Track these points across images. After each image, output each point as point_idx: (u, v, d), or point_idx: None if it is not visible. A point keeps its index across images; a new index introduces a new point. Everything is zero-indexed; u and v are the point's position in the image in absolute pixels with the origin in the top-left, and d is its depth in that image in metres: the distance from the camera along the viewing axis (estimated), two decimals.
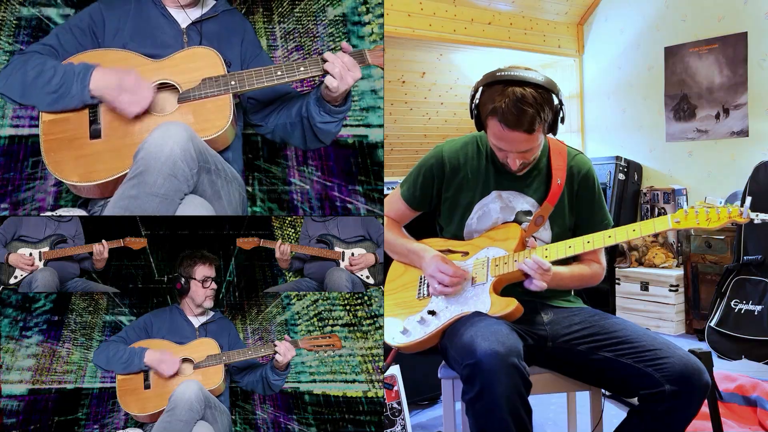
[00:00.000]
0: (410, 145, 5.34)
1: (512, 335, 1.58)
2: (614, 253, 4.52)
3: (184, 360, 2.05)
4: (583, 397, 1.88)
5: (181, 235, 2.29)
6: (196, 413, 1.91)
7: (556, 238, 1.84)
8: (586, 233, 1.88)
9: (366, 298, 2.30)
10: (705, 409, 1.94)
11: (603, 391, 1.83)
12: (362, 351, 2.29)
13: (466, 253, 1.85)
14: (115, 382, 2.05)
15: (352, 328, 2.29)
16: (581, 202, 1.87)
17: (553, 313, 1.81)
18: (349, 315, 2.31)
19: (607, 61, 5.18)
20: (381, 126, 2.10)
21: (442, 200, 1.90)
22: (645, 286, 4.35)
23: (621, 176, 4.71)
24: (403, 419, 2.48)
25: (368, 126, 2.10)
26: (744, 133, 4.33)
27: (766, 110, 4.24)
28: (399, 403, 2.49)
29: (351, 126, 2.09)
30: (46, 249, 2.28)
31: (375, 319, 2.28)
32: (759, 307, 3.52)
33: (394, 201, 1.98)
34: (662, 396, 1.56)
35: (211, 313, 2.20)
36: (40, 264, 2.26)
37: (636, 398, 1.65)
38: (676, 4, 4.66)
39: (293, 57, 2.08)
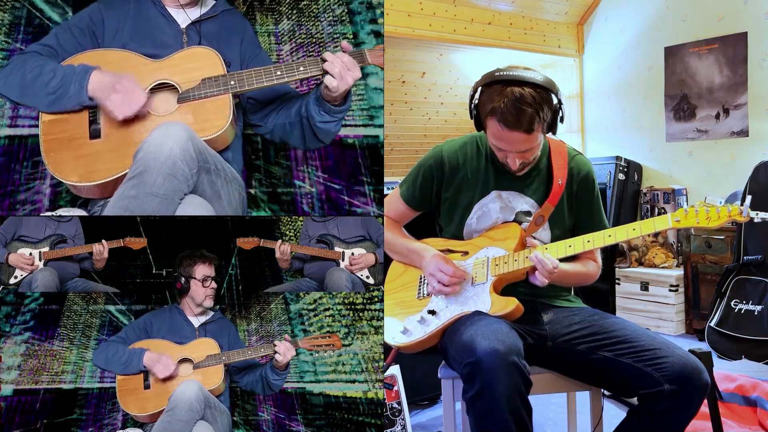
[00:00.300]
0: (410, 145, 5.34)
1: (512, 334, 1.58)
2: (614, 253, 4.52)
3: (184, 360, 2.05)
4: (583, 397, 1.88)
5: (182, 235, 2.29)
6: (196, 413, 1.91)
7: (555, 238, 1.84)
8: (583, 234, 1.88)
9: (366, 297, 2.30)
10: (705, 409, 1.94)
11: (603, 391, 1.83)
12: (362, 351, 2.29)
13: (466, 253, 1.85)
14: (108, 382, 2.05)
15: (351, 328, 2.29)
16: (580, 203, 1.87)
17: (552, 312, 1.81)
18: (348, 315, 2.31)
19: (607, 61, 5.18)
20: (381, 126, 2.11)
21: (442, 200, 1.91)
22: (645, 286, 4.35)
23: (621, 176, 4.71)
24: (403, 419, 2.48)
25: (369, 126, 2.10)
26: (744, 133, 4.33)
27: (766, 110, 4.24)
28: (399, 403, 2.49)
29: (354, 126, 2.09)
30: (46, 249, 2.27)
31: (375, 319, 2.28)
32: (759, 307, 3.52)
33: (393, 201, 1.98)
34: (661, 395, 1.57)
35: (211, 313, 2.20)
36: (40, 264, 2.26)
37: (635, 398, 1.65)
38: (676, 4, 4.66)
39: (297, 56, 2.08)
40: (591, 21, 5.29)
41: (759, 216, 1.55)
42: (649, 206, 4.75)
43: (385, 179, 2.14)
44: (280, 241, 2.34)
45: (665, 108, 4.76)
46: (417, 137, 5.38)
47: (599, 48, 5.24)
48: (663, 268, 4.42)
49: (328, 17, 2.09)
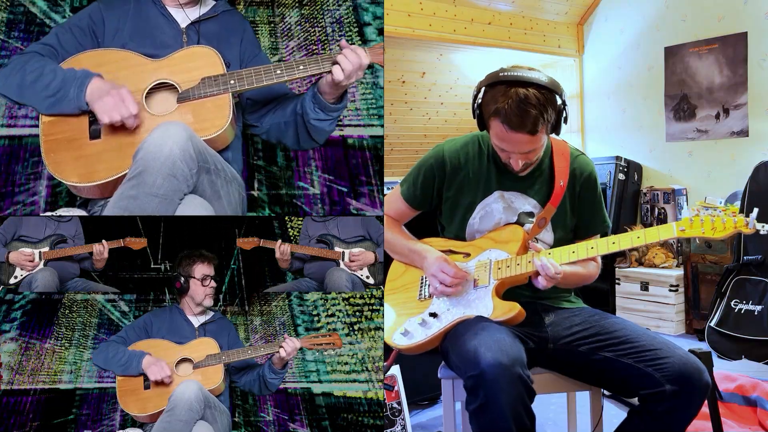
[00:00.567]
0: (410, 145, 5.34)
1: (515, 344, 1.56)
2: (614, 253, 4.51)
3: (184, 360, 2.05)
4: (583, 397, 1.88)
5: (182, 235, 2.29)
6: (196, 413, 1.91)
7: (558, 239, 1.84)
8: (585, 234, 1.88)
9: (366, 297, 2.30)
10: (705, 409, 1.94)
11: (603, 391, 1.83)
12: (362, 351, 2.29)
13: (468, 255, 1.84)
14: (108, 382, 2.05)
15: (352, 328, 2.29)
16: (583, 203, 1.86)
17: (554, 314, 1.80)
18: (349, 315, 2.31)
19: (607, 61, 5.18)
20: (381, 126, 2.11)
21: (443, 200, 1.90)
22: (645, 286, 4.34)
23: (621, 176, 4.71)
24: (403, 419, 2.48)
25: (371, 126, 2.11)
26: (744, 133, 4.33)
27: (766, 110, 4.24)
28: (399, 403, 2.49)
29: (355, 126, 2.10)
30: (46, 249, 2.27)
31: (375, 318, 2.28)
32: (759, 307, 3.52)
33: (393, 200, 1.97)
34: (662, 396, 1.56)
35: (211, 313, 2.20)
36: (40, 264, 2.26)
37: (636, 398, 1.65)
38: (676, 4, 4.66)
39: (298, 55, 2.08)
40: (591, 21, 5.29)
41: (765, 228, 1.54)
42: (649, 206, 4.75)
43: (385, 179, 2.14)
44: (279, 241, 2.34)
45: (665, 108, 4.76)
46: (417, 137, 5.38)
47: (599, 48, 5.24)
48: (663, 268, 4.42)
49: (330, 16, 2.09)
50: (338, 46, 1.73)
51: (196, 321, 2.16)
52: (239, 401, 2.28)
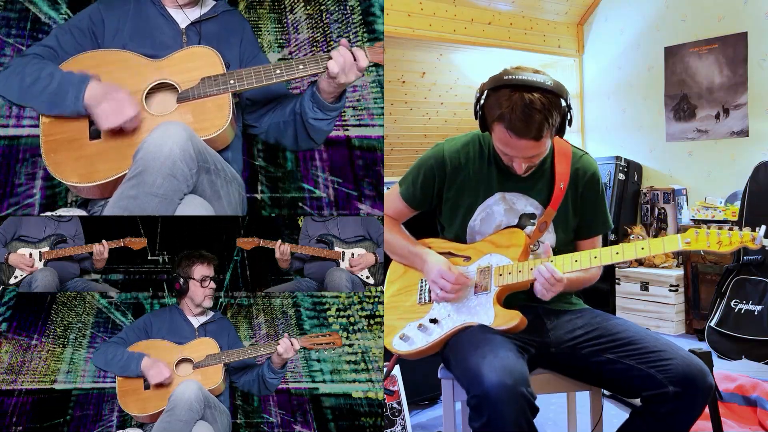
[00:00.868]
0: (410, 145, 5.34)
1: (519, 362, 1.54)
2: None
3: (184, 360, 2.05)
4: (583, 397, 1.87)
5: (183, 235, 2.29)
6: (196, 413, 1.90)
7: (560, 241, 1.83)
8: (587, 234, 1.87)
9: (366, 297, 2.30)
10: (705, 409, 1.94)
11: (603, 391, 1.82)
12: (362, 351, 2.29)
13: (469, 258, 1.82)
14: (108, 382, 2.05)
15: (351, 328, 2.29)
16: (585, 203, 1.84)
17: (556, 318, 1.78)
18: (348, 315, 2.31)
19: (607, 61, 5.18)
20: (382, 125, 2.11)
21: (444, 200, 1.87)
22: (645, 286, 4.34)
23: (621, 176, 4.71)
24: (403, 419, 2.48)
25: (369, 126, 2.11)
26: (744, 133, 4.33)
27: (766, 110, 4.24)
28: (399, 403, 2.49)
29: (356, 126, 2.10)
30: (46, 249, 2.28)
31: (375, 318, 2.28)
32: (759, 307, 3.52)
33: (392, 200, 1.95)
34: (665, 397, 1.56)
35: (211, 313, 2.20)
36: (40, 264, 2.26)
37: (638, 398, 1.64)
38: (676, 4, 4.66)
39: (300, 54, 2.08)
40: (591, 21, 5.29)
41: None
42: (649, 206, 4.75)
43: (385, 179, 2.14)
44: (279, 241, 2.34)
45: (665, 108, 4.76)
46: (417, 137, 5.38)
47: (599, 48, 5.24)
48: (663, 268, 4.42)
49: (332, 17, 2.09)
50: (339, 45, 1.74)
51: (196, 321, 2.16)
52: (241, 402, 2.28)
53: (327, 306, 2.34)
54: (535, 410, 1.51)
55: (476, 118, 1.72)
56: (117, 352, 2.05)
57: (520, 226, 1.81)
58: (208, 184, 1.66)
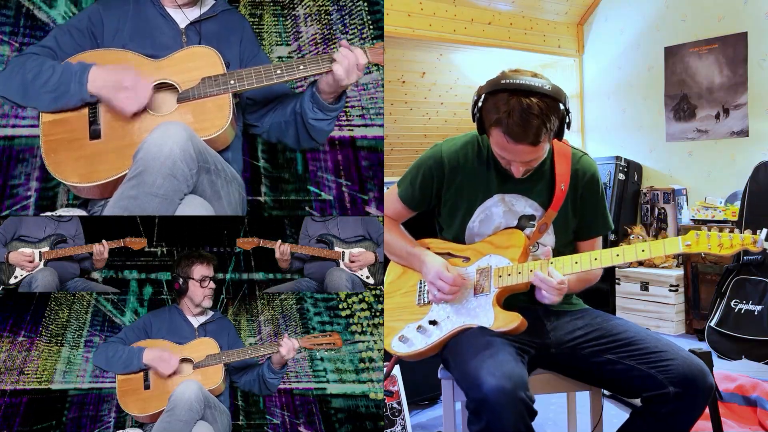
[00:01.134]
0: (410, 145, 5.34)
1: (518, 366, 1.54)
2: None
3: (184, 360, 2.05)
4: (583, 397, 1.87)
5: (183, 235, 2.29)
6: (196, 413, 1.91)
7: (560, 242, 1.83)
8: (587, 235, 1.87)
9: (366, 297, 2.30)
10: (705, 409, 1.94)
11: (603, 391, 1.82)
12: (362, 351, 2.29)
13: (468, 259, 1.82)
14: (107, 382, 2.05)
15: (351, 328, 2.29)
16: (585, 204, 1.84)
17: (556, 319, 1.78)
18: (349, 315, 2.31)
19: (607, 61, 5.18)
20: (382, 125, 2.11)
21: (442, 201, 1.87)
22: (645, 286, 4.34)
23: (621, 176, 4.71)
24: (403, 419, 2.48)
25: (369, 126, 2.11)
26: (744, 133, 4.33)
27: (766, 110, 4.24)
28: (399, 403, 2.49)
29: (358, 127, 2.10)
30: (46, 249, 2.27)
31: (375, 318, 2.28)
32: (759, 307, 3.52)
33: (391, 200, 1.94)
34: (666, 398, 1.56)
35: (211, 313, 2.20)
36: (40, 264, 2.26)
37: (638, 398, 1.64)
38: (676, 4, 4.66)
39: (301, 54, 2.08)
40: (591, 21, 5.29)
41: None
42: (649, 206, 4.75)
43: (385, 179, 2.14)
44: (279, 241, 2.34)
45: (665, 108, 4.76)
46: (417, 137, 5.38)
47: (599, 48, 5.24)
48: (663, 268, 4.42)
49: (336, 14, 2.09)
50: (338, 45, 1.73)
51: (196, 321, 2.16)
52: (243, 403, 2.28)
53: (327, 306, 2.34)
54: (534, 414, 1.50)
55: (474, 121, 1.71)
56: (117, 349, 2.05)
57: (520, 227, 1.81)
58: (209, 184, 1.66)
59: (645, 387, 1.59)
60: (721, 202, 4.24)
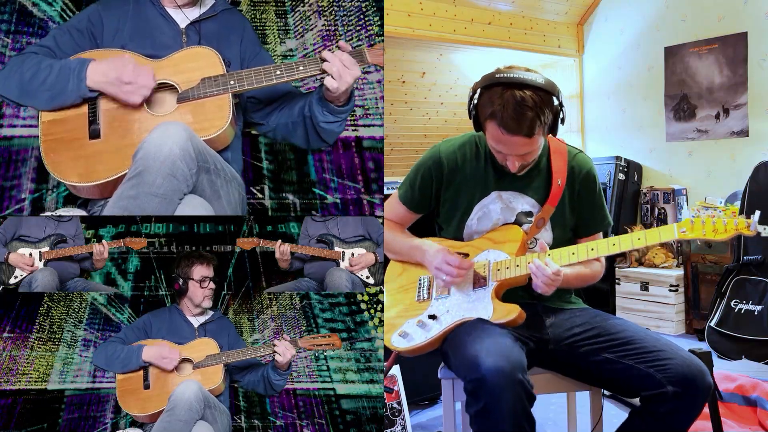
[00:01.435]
0: (410, 145, 5.34)
1: (516, 349, 1.56)
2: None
3: (184, 360, 2.05)
4: (583, 397, 1.87)
5: (183, 235, 2.29)
6: (196, 413, 1.91)
7: (557, 238, 1.83)
8: (586, 232, 1.88)
9: (366, 297, 2.30)
10: (705, 409, 1.94)
11: (603, 391, 1.82)
12: (362, 350, 2.29)
13: (467, 255, 1.83)
14: (105, 382, 2.05)
15: (351, 328, 2.29)
16: (582, 201, 1.85)
17: (554, 315, 1.79)
18: (348, 315, 2.31)
19: (607, 61, 5.18)
20: (382, 125, 2.11)
21: (441, 201, 1.89)
22: (645, 286, 4.34)
23: (621, 176, 4.71)
24: (403, 419, 2.48)
25: (370, 126, 2.11)
26: (744, 133, 4.33)
27: (766, 110, 4.24)
28: (399, 403, 2.49)
29: (363, 126, 2.10)
30: (46, 249, 2.27)
31: (375, 318, 2.28)
32: (759, 307, 3.52)
33: (393, 204, 1.96)
34: (665, 397, 1.56)
35: (211, 313, 2.20)
36: (40, 264, 2.26)
37: (637, 398, 1.64)
38: (676, 4, 4.66)
39: (304, 53, 2.09)
40: (591, 21, 5.29)
41: (766, 231, 1.54)
42: (649, 206, 4.75)
43: (385, 179, 2.15)
44: (279, 241, 2.34)
45: (665, 108, 4.76)
46: (417, 137, 5.38)
47: (599, 48, 5.24)
48: (663, 268, 4.42)
49: (333, 17, 2.09)
50: (337, 47, 1.73)
51: (196, 321, 2.16)
52: (245, 404, 2.28)
53: (327, 306, 2.34)
54: (532, 399, 1.51)
55: (470, 118, 1.74)
56: (116, 348, 2.05)
57: (517, 223, 1.83)
58: (208, 183, 1.66)
59: (643, 386, 1.59)
60: (721, 202, 4.24)
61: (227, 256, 2.35)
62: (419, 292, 1.86)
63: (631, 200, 4.80)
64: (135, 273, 2.33)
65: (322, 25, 2.10)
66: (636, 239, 1.63)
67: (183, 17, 1.81)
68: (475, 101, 1.69)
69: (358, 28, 2.09)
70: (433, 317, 1.76)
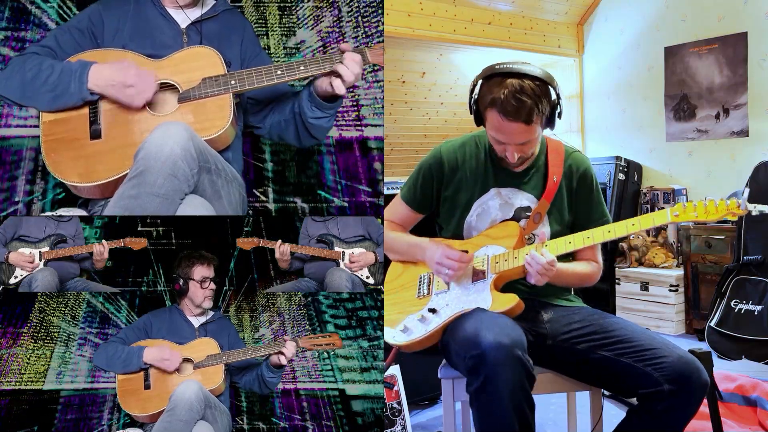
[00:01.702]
0: (410, 145, 5.34)
1: (517, 328, 1.59)
2: (614, 253, 4.52)
3: (184, 360, 2.05)
4: (583, 397, 1.88)
5: (184, 235, 2.29)
6: (196, 413, 1.91)
7: (554, 234, 1.85)
8: (585, 228, 1.88)
9: (366, 297, 2.30)
10: (705, 409, 1.94)
11: (603, 390, 1.83)
12: (362, 350, 2.29)
13: (466, 252, 1.84)
14: (104, 382, 2.05)
15: (352, 328, 2.30)
16: (579, 199, 1.88)
17: (553, 311, 1.82)
18: (349, 314, 2.31)
19: (607, 61, 5.18)
20: (381, 125, 2.11)
21: (442, 200, 1.91)
22: (645, 286, 4.34)
23: (621, 176, 4.71)
24: (403, 419, 2.48)
25: (372, 126, 2.12)
26: (744, 133, 4.33)
27: (766, 110, 4.24)
28: (399, 403, 2.49)
29: (364, 126, 2.10)
30: (46, 249, 2.27)
31: (375, 318, 2.28)
32: (759, 307, 3.52)
33: (396, 205, 1.99)
34: (661, 395, 1.57)
35: (211, 313, 2.20)
36: (40, 264, 2.26)
37: (635, 398, 1.65)
38: (676, 4, 4.66)
39: (303, 53, 2.09)
40: (591, 21, 5.29)
41: (757, 209, 1.56)
42: (649, 206, 4.75)
43: (386, 179, 2.15)
44: (279, 241, 2.34)
45: (665, 108, 4.76)
46: (417, 137, 5.38)
47: (599, 48, 5.24)
48: (663, 268, 4.42)
49: (332, 17, 2.09)
50: (339, 50, 1.73)
51: (196, 321, 2.16)
52: (246, 404, 2.28)
53: (327, 306, 2.34)
54: (532, 380, 1.53)
55: (471, 112, 1.78)
56: (117, 349, 2.05)
57: (516, 219, 1.85)
58: (209, 183, 1.66)
59: (640, 385, 1.60)
60: None
61: (228, 252, 2.34)
62: (419, 288, 1.87)
63: (631, 200, 4.80)
64: (134, 267, 2.33)
65: (323, 26, 2.10)
66: (630, 225, 1.67)
67: (184, 17, 1.82)
68: (476, 94, 1.74)
69: (358, 28, 2.10)
70: (433, 311, 1.78)
